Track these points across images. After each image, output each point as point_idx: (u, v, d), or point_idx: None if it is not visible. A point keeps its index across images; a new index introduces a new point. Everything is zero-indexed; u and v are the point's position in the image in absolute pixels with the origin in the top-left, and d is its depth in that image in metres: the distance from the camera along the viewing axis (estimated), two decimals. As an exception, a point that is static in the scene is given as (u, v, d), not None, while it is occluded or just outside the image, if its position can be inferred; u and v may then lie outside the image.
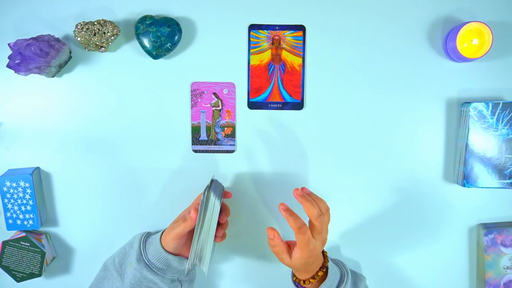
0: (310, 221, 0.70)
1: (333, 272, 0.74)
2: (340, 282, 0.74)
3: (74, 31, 0.76)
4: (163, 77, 0.82)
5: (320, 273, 0.73)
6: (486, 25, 0.76)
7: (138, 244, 0.75)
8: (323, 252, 0.75)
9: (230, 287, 0.87)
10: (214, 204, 0.71)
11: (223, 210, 0.78)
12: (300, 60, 0.81)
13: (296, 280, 0.75)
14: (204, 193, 0.71)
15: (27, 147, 0.82)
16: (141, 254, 0.74)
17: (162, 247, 0.73)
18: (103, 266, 0.78)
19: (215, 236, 0.73)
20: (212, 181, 0.77)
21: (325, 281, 0.72)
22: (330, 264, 0.75)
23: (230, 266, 0.87)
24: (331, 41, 0.81)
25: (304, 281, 0.73)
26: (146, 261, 0.73)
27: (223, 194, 0.77)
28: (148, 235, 0.78)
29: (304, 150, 0.83)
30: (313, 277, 0.72)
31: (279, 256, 0.72)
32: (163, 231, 0.76)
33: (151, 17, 0.78)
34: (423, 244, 0.85)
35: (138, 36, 0.78)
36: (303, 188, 0.72)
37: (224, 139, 0.83)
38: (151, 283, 0.73)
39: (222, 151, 0.83)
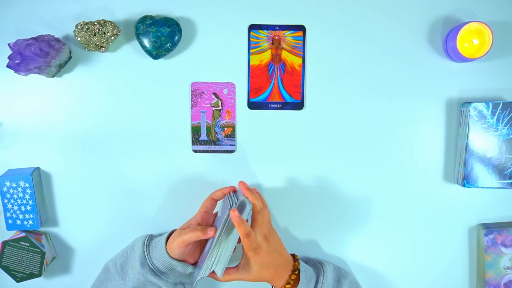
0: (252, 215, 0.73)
1: (307, 274, 0.75)
2: (317, 281, 0.75)
3: (74, 31, 0.76)
4: (163, 77, 0.82)
5: (293, 277, 0.74)
6: (486, 25, 0.76)
7: (142, 248, 0.74)
8: (294, 256, 0.77)
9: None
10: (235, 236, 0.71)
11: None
12: (300, 60, 0.81)
13: None
14: (227, 214, 0.70)
15: (27, 147, 0.82)
16: (145, 258, 0.73)
17: (167, 252, 0.73)
18: (104, 268, 0.78)
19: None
20: (237, 199, 0.75)
21: (299, 284, 0.73)
22: (301, 266, 0.75)
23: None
24: (331, 41, 0.81)
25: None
26: (150, 265, 0.73)
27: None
28: (150, 238, 0.77)
29: (304, 150, 0.83)
30: (288, 283, 0.74)
31: (242, 279, 0.74)
32: (168, 234, 0.75)
33: (151, 17, 0.78)
34: (423, 244, 0.85)
35: (138, 36, 0.78)
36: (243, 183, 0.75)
37: (224, 139, 0.83)
38: (155, 286, 0.73)
39: (222, 151, 0.83)
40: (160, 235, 0.78)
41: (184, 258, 0.74)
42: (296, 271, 0.74)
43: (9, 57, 0.74)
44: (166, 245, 0.73)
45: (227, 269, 0.74)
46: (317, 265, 0.79)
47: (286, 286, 0.73)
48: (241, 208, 0.72)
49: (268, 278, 0.74)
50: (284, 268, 0.74)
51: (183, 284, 0.77)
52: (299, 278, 0.74)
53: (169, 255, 0.72)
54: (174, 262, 0.73)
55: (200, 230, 0.71)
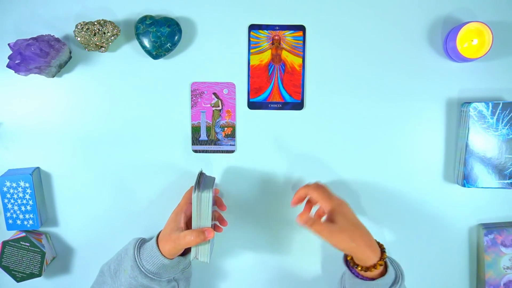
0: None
1: (390, 272, 0.70)
2: (394, 282, 0.70)
3: (74, 31, 0.76)
4: (163, 77, 0.82)
5: (378, 267, 0.69)
6: (486, 25, 0.76)
7: (133, 251, 0.74)
8: (381, 246, 0.72)
9: (229, 287, 0.87)
10: (209, 199, 0.71)
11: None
12: (300, 60, 0.81)
13: (357, 269, 0.70)
14: (194, 192, 0.70)
15: (27, 147, 0.82)
16: (135, 260, 0.73)
17: (160, 252, 0.72)
18: (100, 272, 0.77)
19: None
20: (202, 175, 0.75)
21: (386, 274, 0.69)
22: (388, 261, 0.71)
23: (229, 267, 0.87)
24: (331, 41, 0.81)
25: (364, 268, 0.69)
26: (141, 268, 0.72)
27: (214, 184, 0.77)
28: (142, 241, 0.76)
29: (304, 150, 0.83)
30: (374, 266, 0.69)
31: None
32: (157, 236, 0.75)
33: (151, 17, 0.78)
34: (423, 244, 0.85)
35: (138, 36, 0.78)
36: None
37: (224, 139, 0.83)
38: None
39: (222, 151, 0.83)
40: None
41: (177, 255, 0.74)
42: (383, 260, 0.69)
43: (9, 57, 0.74)
44: (158, 245, 0.72)
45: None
46: (394, 265, 0.74)
47: (373, 269, 0.69)
48: (205, 184, 0.73)
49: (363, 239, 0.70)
50: (374, 244, 0.70)
51: (177, 281, 0.77)
52: (384, 270, 0.70)
53: (162, 255, 0.72)
54: (166, 262, 0.72)
55: (201, 235, 0.70)
